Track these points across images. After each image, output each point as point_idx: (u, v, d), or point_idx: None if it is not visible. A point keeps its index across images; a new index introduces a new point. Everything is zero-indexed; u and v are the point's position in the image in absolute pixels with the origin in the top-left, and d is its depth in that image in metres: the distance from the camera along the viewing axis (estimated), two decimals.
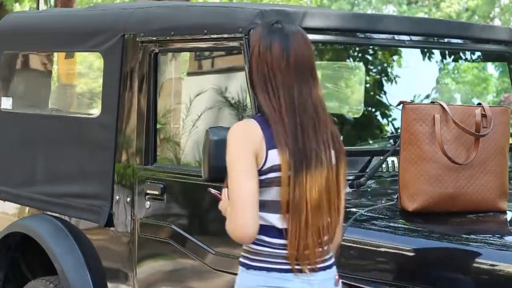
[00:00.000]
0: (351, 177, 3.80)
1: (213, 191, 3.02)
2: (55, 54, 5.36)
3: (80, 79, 6.35)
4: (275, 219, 2.74)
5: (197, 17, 4.04)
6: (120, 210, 4.27)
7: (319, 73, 6.16)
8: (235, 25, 3.75)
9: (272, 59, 2.74)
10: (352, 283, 3.27)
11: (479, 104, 3.54)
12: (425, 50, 4.61)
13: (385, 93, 4.89)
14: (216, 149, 3.05)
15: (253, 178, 2.68)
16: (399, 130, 3.82)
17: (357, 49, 4.76)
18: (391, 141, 4.30)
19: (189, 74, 4.52)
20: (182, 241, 3.95)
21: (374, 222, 3.50)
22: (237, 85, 3.97)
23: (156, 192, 4.06)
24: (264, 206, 2.72)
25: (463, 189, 3.46)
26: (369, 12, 23.95)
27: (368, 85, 5.02)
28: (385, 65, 4.81)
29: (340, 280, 2.90)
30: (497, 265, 3.03)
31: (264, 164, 2.71)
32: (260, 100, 2.75)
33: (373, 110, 4.98)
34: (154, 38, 4.15)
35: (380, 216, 3.56)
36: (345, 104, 6.27)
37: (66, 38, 4.73)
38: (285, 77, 2.74)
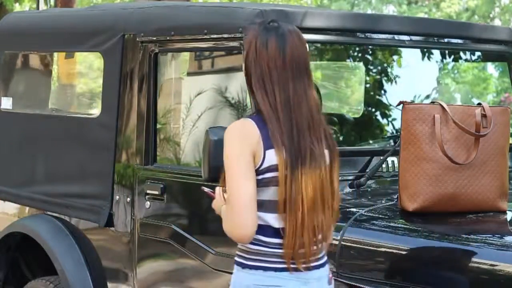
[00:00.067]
0: (351, 177, 3.80)
1: (206, 189, 3.03)
2: (55, 54, 5.36)
3: (80, 79, 6.35)
4: (272, 219, 2.75)
5: (197, 17, 4.04)
6: (120, 210, 4.27)
7: (319, 73, 6.16)
8: (235, 25, 3.75)
9: (268, 57, 2.75)
10: (352, 283, 3.27)
11: (479, 104, 3.54)
12: (425, 50, 4.61)
13: (385, 93, 4.89)
14: (216, 149, 3.06)
15: (251, 178, 2.69)
16: (399, 130, 3.83)
17: (357, 49, 4.76)
18: (391, 141, 4.30)
19: (189, 74, 4.52)
20: (182, 241, 3.95)
21: (374, 222, 3.50)
22: (237, 85, 3.97)
23: (156, 192, 4.06)
24: (261, 206, 2.72)
25: (463, 189, 3.46)
26: (369, 12, 23.96)
27: (368, 85, 5.02)
28: (385, 65, 4.81)
29: (333, 278, 2.91)
30: (497, 265, 3.03)
31: (261, 164, 2.71)
32: (257, 97, 2.76)
33: (373, 110, 4.98)
34: (154, 38, 4.15)
35: (380, 216, 3.56)
36: (345, 104, 6.27)
37: (66, 38, 4.73)
38: (281, 75, 2.75)
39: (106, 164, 4.33)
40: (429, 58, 4.69)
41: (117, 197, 4.28)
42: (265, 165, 2.72)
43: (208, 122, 4.00)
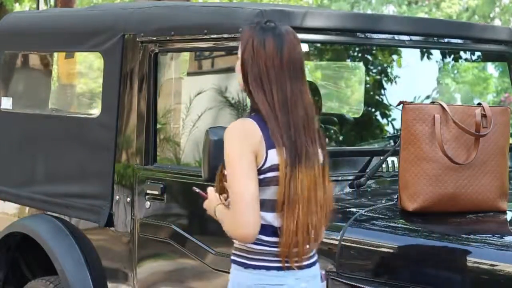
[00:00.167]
0: (351, 177, 3.80)
1: (197, 189, 3.04)
2: (55, 54, 5.36)
3: (80, 79, 6.35)
4: (272, 218, 2.76)
5: (197, 17, 4.04)
6: (120, 210, 4.26)
7: (319, 73, 6.15)
8: (235, 25, 3.74)
9: (266, 56, 2.76)
10: (352, 283, 3.27)
11: (479, 104, 3.54)
12: (425, 50, 4.61)
13: (385, 93, 4.89)
14: (216, 149, 3.06)
15: (253, 177, 2.70)
16: (399, 130, 3.83)
17: (357, 49, 4.76)
18: (391, 141, 4.30)
19: (189, 74, 4.52)
20: (182, 241, 3.95)
21: (374, 222, 3.50)
22: (237, 85, 3.95)
23: (156, 192, 4.06)
24: (262, 205, 2.74)
25: (463, 189, 3.46)
26: (369, 12, 23.95)
27: (368, 85, 5.02)
28: (385, 65, 4.81)
29: (325, 276, 2.93)
30: (497, 265, 3.03)
31: (264, 164, 2.73)
32: (255, 96, 2.77)
33: (373, 110, 4.98)
34: (154, 38, 4.15)
35: (380, 216, 3.56)
36: (345, 104, 6.27)
37: (66, 38, 4.73)
38: (278, 75, 2.76)
39: (106, 164, 4.33)
40: (429, 58, 4.69)
41: (117, 197, 4.28)
42: (267, 164, 2.73)
43: (208, 122, 3.99)
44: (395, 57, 4.75)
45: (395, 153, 3.76)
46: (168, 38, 4.09)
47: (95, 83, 6.20)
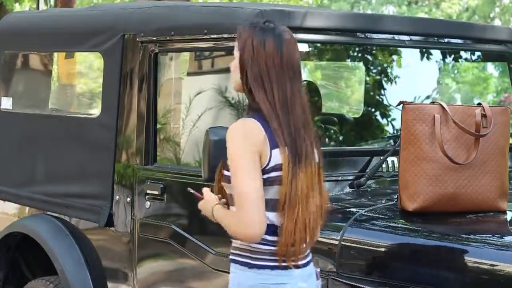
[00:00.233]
0: (351, 177, 3.81)
1: (192, 190, 3.03)
2: (55, 54, 5.36)
3: (80, 79, 6.35)
4: (274, 217, 2.77)
5: (197, 17, 4.03)
6: (120, 210, 4.26)
7: (319, 73, 6.15)
8: (235, 25, 3.72)
9: (266, 56, 2.78)
10: (352, 283, 3.27)
11: (479, 104, 3.54)
12: (425, 50, 4.61)
13: (385, 93, 4.89)
14: (216, 149, 3.06)
15: (258, 177, 2.72)
16: (399, 130, 3.83)
17: (357, 49, 4.76)
18: (391, 141, 4.30)
19: (189, 74, 4.52)
20: (182, 241, 3.95)
21: (374, 222, 3.50)
22: None
23: (156, 192, 4.06)
24: (266, 204, 2.74)
25: (463, 189, 3.46)
26: (369, 12, 23.94)
27: (368, 85, 5.02)
28: (385, 65, 4.81)
29: (319, 273, 2.94)
30: (497, 265, 3.03)
31: (268, 163, 2.74)
32: (256, 95, 2.77)
33: (373, 110, 4.98)
34: (154, 38, 4.15)
35: (380, 216, 3.56)
36: (345, 104, 6.27)
37: (66, 38, 4.73)
38: (279, 74, 2.78)
39: (106, 164, 4.33)
40: (429, 58, 4.69)
41: (117, 197, 4.28)
42: (271, 164, 2.74)
43: (208, 122, 3.99)
44: (395, 57, 4.75)
45: (395, 153, 3.76)
46: (168, 38, 4.09)
47: (95, 83, 6.20)
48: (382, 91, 4.90)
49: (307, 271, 2.86)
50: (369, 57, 4.86)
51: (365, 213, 3.49)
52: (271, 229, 2.77)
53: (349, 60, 5.25)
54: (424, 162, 3.43)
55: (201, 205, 2.94)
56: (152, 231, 4.11)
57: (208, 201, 2.89)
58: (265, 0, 11.77)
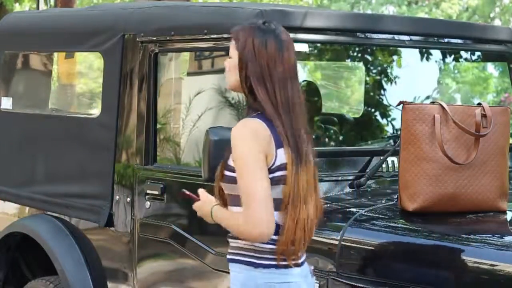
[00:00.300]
0: (351, 177, 3.81)
1: (187, 192, 3.03)
2: (55, 54, 5.36)
3: (80, 79, 6.35)
4: (278, 216, 2.78)
5: (197, 17, 4.03)
6: (120, 210, 4.26)
7: (319, 73, 6.15)
8: (235, 25, 3.74)
9: (268, 56, 2.79)
10: (352, 283, 3.27)
11: (479, 104, 3.54)
12: (425, 50, 4.61)
13: (385, 93, 4.88)
14: (216, 149, 3.06)
15: (265, 177, 2.73)
16: (399, 130, 3.83)
17: (357, 49, 4.76)
18: (391, 141, 4.30)
19: (189, 74, 4.52)
20: (182, 241, 3.95)
21: (374, 222, 3.50)
22: None
23: (156, 192, 4.06)
24: None
25: (463, 189, 3.46)
26: (369, 12, 23.93)
27: (368, 85, 5.02)
28: (385, 65, 4.80)
29: (313, 270, 2.98)
30: (497, 265, 3.03)
31: (273, 163, 2.75)
32: (258, 95, 2.78)
33: (373, 110, 4.98)
34: (154, 38, 4.15)
35: (380, 216, 3.56)
36: (345, 104, 6.27)
37: (66, 38, 4.73)
38: (280, 75, 2.79)
39: (106, 164, 4.33)
40: (429, 58, 4.69)
41: (117, 197, 4.28)
42: (277, 163, 2.76)
43: (208, 122, 3.99)
44: (395, 57, 4.75)
45: (395, 153, 3.76)
46: (168, 38, 4.09)
47: (95, 83, 6.20)
48: (382, 91, 4.90)
49: (305, 269, 2.88)
50: (369, 57, 4.86)
51: (365, 213, 3.49)
52: (275, 228, 2.77)
53: (349, 60, 5.25)
54: (424, 162, 3.43)
55: (197, 206, 2.94)
56: (152, 231, 4.10)
57: (206, 202, 2.89)
58: (265, 0, 11.77)
